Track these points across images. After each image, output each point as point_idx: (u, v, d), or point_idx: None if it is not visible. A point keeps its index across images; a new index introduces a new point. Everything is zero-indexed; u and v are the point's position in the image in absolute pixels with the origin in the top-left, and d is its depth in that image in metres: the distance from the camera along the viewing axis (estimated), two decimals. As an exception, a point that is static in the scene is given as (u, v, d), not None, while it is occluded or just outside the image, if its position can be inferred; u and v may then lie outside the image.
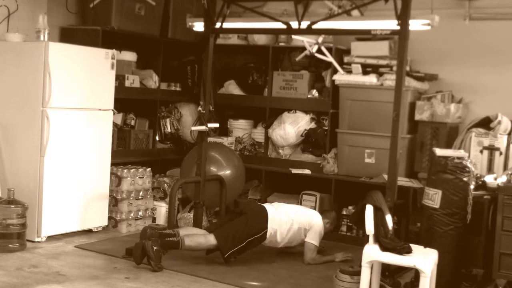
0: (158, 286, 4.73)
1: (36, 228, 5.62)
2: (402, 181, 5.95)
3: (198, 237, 5.29)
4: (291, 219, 5.55)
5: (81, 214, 5.96)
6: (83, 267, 5.06)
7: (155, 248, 5.02)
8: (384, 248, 4.35)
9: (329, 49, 6.59)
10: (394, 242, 4.38)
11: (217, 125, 6.20)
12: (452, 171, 4.77)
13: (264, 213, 5.49)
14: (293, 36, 6.86)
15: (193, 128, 6.19)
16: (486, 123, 5.95)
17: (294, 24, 5.57)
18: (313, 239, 5.58)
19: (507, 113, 5.97)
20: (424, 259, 4.27)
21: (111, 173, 6.25)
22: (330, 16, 5.68)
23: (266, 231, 5.44)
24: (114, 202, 6.27)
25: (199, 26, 6.16)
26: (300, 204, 6.56)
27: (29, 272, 4.83)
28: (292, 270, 5.37)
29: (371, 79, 6.38)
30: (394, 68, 5.96)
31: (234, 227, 5.36)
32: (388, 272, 4.91)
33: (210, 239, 5.27)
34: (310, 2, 5.54)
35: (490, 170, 5.70)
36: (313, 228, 5.59)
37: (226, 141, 7.17)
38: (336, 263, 5.54)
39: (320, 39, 6.58)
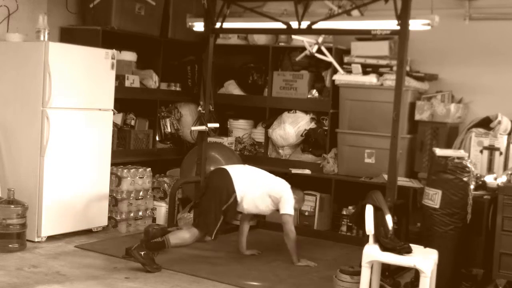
0: (158, 286, 4.72)
1: (36, 228, 5.61)
2: (402, 181, 5.95)
3: (182, 232, 5.28)
4: (259, 185, 5.49)
5: (81, 214, 5.95)
6: (83, 267, 5.06)
7: (143, 253, 5.00)
8: (384, 248, 4.34)
9: (329, 49, 6.59)
10: (394, 242, 4.37)
11: (217, 125, 6.20)
12: (452, 171, 4.77)
13: (227, 176, 5.40)
14: (293, 36, 6.86)
15: (193, 128, 6.20)
16: (486, 123, 5.95)
17: (294, 24, 5.58)
18: (286, 209, 5.47)
19: (507, 113, 5.96)
20: (424, 259, 4.27)
21: (111, 173, 6.24)
22: (330, 16, 5.69)
23: (236, 195, 5.36)
24: (114, 202, 6.27)
25: (199, 26, 6.16)
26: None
27: (29, 272, 4.83)
28: (292, 270, 5.36)
29: (371, 79, 6.38)
30: (394, 68, 5.95)
31: (206, 209, 5.32)
32: (388, 272, 4.91)
33: (195, 232, 5.27)
34: (310, 2, 5.54)
35: (490, 170, 5.70)
36: (284, 198, 5.49)
37: (226, 141, 7.16)
38: (335, 263, 5.52)
39: (320, 39, 6.57)
